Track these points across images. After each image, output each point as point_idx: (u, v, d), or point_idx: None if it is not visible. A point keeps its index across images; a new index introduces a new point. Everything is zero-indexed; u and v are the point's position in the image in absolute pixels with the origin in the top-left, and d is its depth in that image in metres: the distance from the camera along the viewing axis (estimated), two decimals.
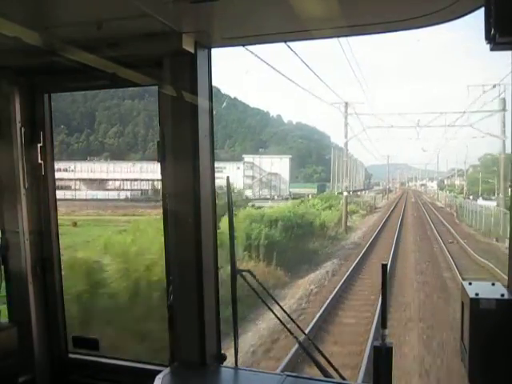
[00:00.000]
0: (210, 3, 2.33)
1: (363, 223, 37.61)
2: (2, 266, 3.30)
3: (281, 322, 3.15)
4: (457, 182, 66.19)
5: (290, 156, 64.76)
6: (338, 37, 3.49)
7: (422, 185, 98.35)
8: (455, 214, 41.82)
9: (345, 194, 35.15)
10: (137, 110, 65.98)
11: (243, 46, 3.21)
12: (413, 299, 14.90)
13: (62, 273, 3.58)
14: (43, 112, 3.38)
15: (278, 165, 58.47)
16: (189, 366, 2.99)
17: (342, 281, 16.75)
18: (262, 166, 58.43)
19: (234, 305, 3.00)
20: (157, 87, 2.98)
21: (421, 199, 67.48)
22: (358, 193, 61.91)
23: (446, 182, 74.66)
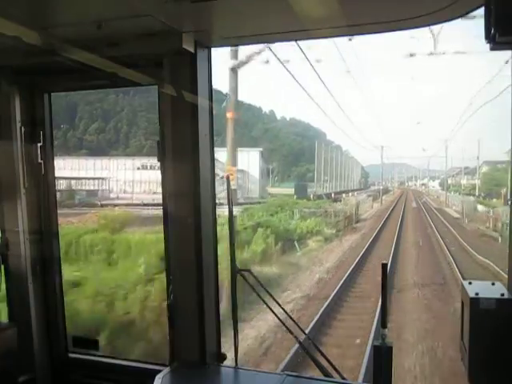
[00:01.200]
0: (211, 2, 2.33)
1: (309, 273, 17.49)
2: (2, 266, 3.31)
3: (281, 321, 3.15)
4: (463, 182, 59.91)
5: (261, 149, 50.11)
6: (338, 36, 3.48)
7: (423, 184, 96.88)
8: (499, 236, 22.15)
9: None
10: (121, 105, 64.21)
11: (243, 45, 3.21)
12: None
13: (62, 273, 3.59)
14: (43, 112, 3.39)
15: (246, 160, 42.39)
16: (189, 366, 2.99)
17: None
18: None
19: (233, 304, 3.00)
20: (156, 87, 2.99)
21: (423, 203, 56.86)
22: (344, 195, 46.63)
23: (450, 181, 66.92)
